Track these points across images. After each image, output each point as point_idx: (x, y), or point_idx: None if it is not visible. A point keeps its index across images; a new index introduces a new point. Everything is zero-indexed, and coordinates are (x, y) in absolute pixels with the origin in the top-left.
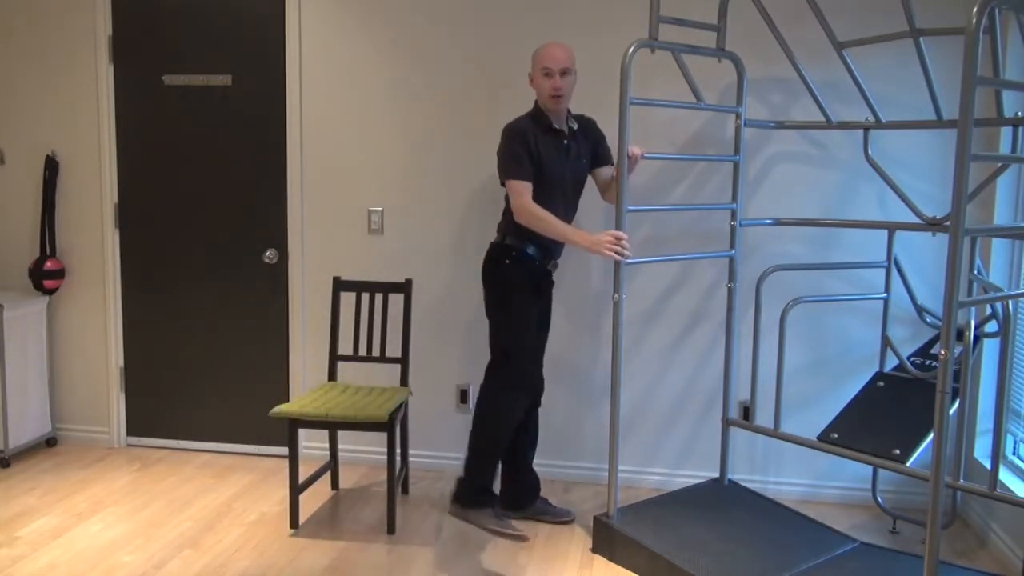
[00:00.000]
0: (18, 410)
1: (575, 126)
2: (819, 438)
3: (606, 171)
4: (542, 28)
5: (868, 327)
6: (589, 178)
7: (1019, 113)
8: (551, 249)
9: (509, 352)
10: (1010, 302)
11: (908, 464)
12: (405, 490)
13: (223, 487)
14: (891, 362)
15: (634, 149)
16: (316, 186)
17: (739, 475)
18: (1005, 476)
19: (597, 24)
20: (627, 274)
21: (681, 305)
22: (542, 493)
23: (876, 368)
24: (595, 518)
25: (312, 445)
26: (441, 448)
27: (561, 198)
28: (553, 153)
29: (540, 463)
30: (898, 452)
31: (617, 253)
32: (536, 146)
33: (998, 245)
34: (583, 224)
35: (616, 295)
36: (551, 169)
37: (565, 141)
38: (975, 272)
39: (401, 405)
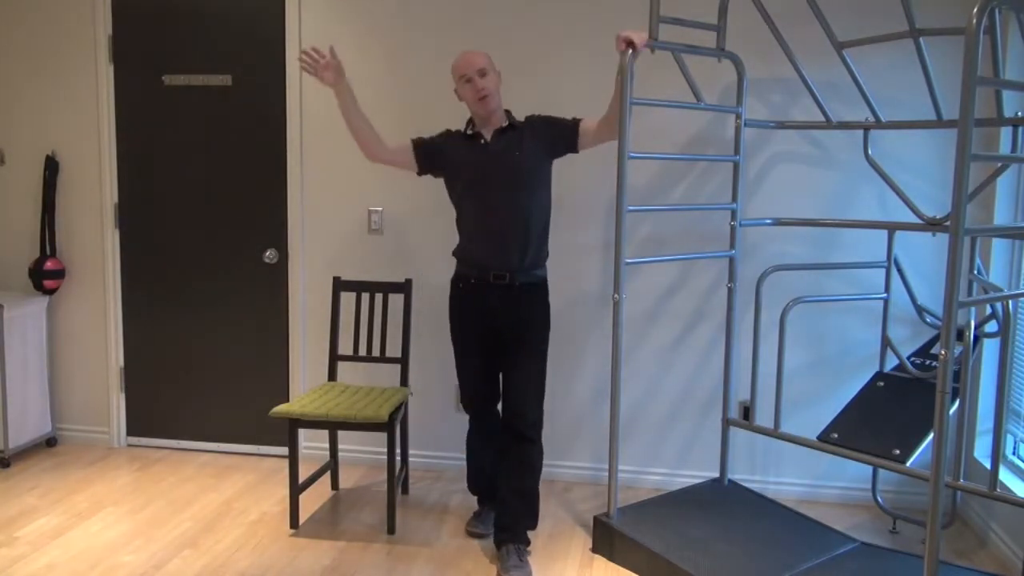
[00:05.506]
0: (18, 410)
1: (507, 123)
2: (819, 438)
3: (585, 125)
4: (543, 28)
5: (868, 327)
6: (583, 140)
7: (1019, 113)
8: (473, 258)
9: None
10: (1010, 302)
11: (908, 464)
12: (405, 490)
13: (223, 487)
14: (891, 362)
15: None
16: (316, 186)
17: (739, 475)
18: (1005, 476)
19: (597, 24)
20: (627, 274)
21: (681, 305)
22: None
23: (876, 368)
24: (595, 518)
25: (312, 445)
26: (441, 448)
27: (486, 193)
28: (465, 153)
29: None
30: (898, 452)
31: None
32: (448, 148)
33: (998, 245)
34: (585, 224)
35: (616, 295)
36: (461, 168)
37: (482, 141)
38: (975, 272)
39: (401, 405)
